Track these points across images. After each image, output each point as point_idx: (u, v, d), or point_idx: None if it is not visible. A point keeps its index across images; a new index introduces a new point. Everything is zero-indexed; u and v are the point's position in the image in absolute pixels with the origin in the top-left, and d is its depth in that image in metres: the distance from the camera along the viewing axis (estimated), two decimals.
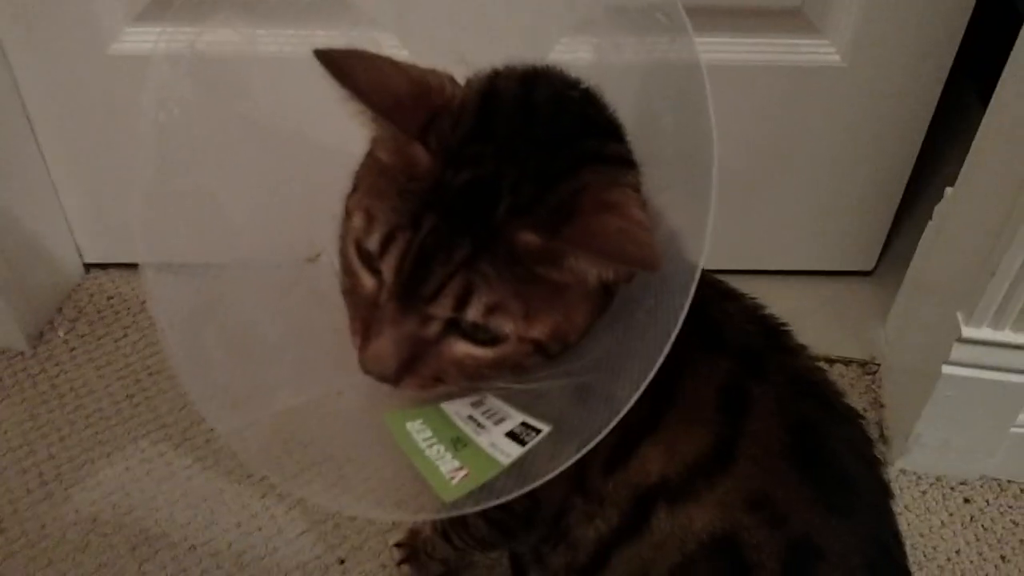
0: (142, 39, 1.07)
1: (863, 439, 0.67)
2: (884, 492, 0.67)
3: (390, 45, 0.75)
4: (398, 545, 0.97)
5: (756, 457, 0.62)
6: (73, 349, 1.17)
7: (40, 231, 1.18)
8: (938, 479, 1.08)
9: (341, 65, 0.58)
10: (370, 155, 0.64)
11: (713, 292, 0.69)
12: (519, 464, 0.59)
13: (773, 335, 0.68)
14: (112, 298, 1.23)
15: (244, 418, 0.66)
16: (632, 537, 0.64)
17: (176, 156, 0.66)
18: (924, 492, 1.07)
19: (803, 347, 0.69)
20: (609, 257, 0.57)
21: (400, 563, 0.97)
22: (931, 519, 1.05)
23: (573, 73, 0.65)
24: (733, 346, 0.66)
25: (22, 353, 1.16)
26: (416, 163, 0.59)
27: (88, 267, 1.26)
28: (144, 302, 1.20)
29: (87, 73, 1.09)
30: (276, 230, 0.73)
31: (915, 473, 1.08)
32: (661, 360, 0.53)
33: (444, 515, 0.60)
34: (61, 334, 1.18)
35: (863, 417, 0.69)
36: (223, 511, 1.02)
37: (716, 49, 1.06)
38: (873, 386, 1.16)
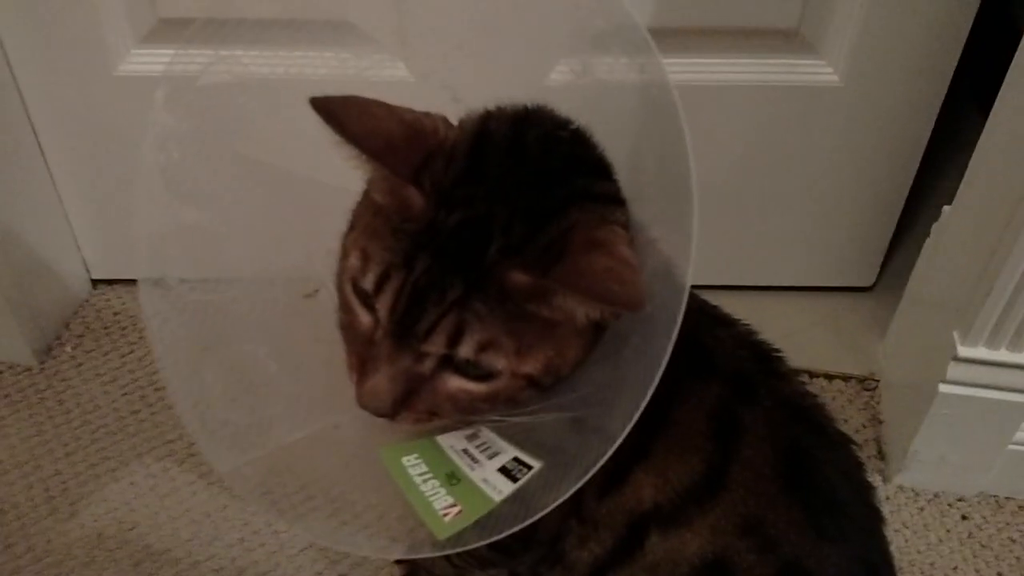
0: (149, 60, 1.08)
1: (854, 464, 0.68)
2: (875, 516, 0.68)
3: (390, 66, 0.76)
4: (398, 562, 0.98)
5: (747, 483, 0.63)
6: (80, 365, 1.18)
7: (48, 247, 1.20)
8: (936, 496, 1.08)
9: (335, 112, 0.59)
10: (366, 195, 0.65)
11: (705, 318, 0.70)
12: (518, 497, 0.60)
13: (765, 361, 0.69)
14: (118, 314, 1.24)
15: (243, 455, 0.67)
16: (626, 560, 0.65)
17: (175, 195, 0.67)
18: (922, 508, 1.07)
19: (794, 372, 0.70)
20: (595, 298, 0.58)
21: None
22: (929, 536, 1.05)
23: (563, 113, 0.66)
24: (724, 372, 0.67)
25: (29, 369, 1.17)
26: (410, 204, 0.60)
27: (95, 283, 1.28)
28: None
29: (94, 93, 1.10)
30: (274, 266, 0.74)
31: (913, 489, 1.09)
32: (646, 402, 0.54)
33: (450, 550, 0.62)
34: (68, 349, 1.20)
35: (854, 442, 0.69)
36: (226, 527, 1.03)
37: (714, 70, 1.07)
38: (872, 402, 1.17)
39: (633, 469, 0.63)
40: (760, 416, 0.66)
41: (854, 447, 0.69)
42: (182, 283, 0.68)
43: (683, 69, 1.07)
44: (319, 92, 0.73)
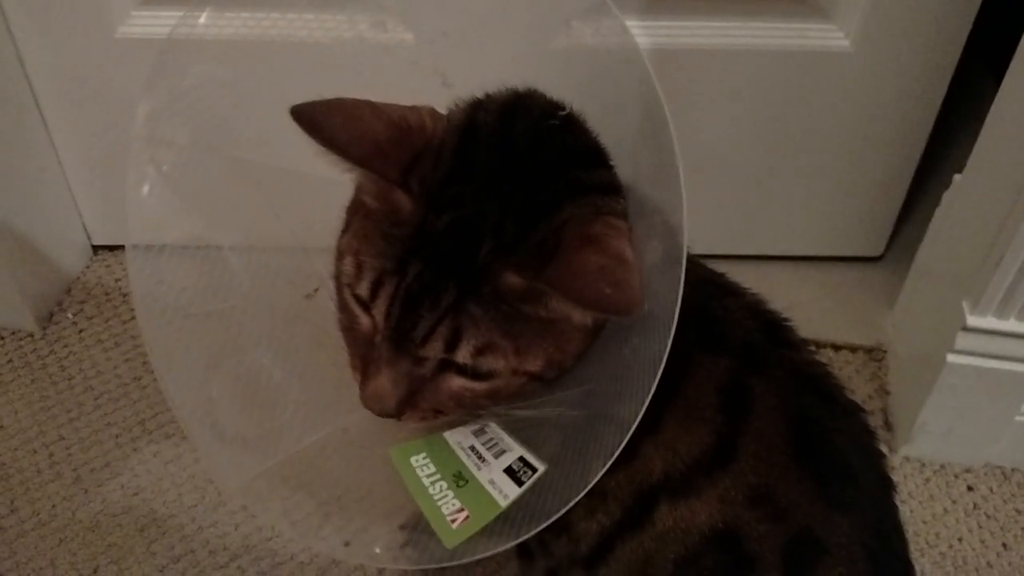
0: (149, 22, 1.07)
1: (865, 432, 0.68)
2: (885, 484, 0.67)
3: (393, 28, 0.75)
4: (403, 527, 0.98)
5: (757, 453, 0.63)
6: (82, 331, 1.18)
7: (48, 213, 1.19)
8: (942, 467, 1.08)
9: (318, 121, 0.58)
10: (357, 196, 0.64)
11: (714, 289, 0.69)
12: (536, 490, 0.60)
13: (774, 330, 0.69)
14: (120, 280, 1.23)
15: (254, 467, 0.67)
16: (634, 530, 0.64)
17: (169, 208, 0.66)
18: (928, 480, 1.07)
19: (804, 341, 0.69)
20: (587, 304, 0.57)
21: (404, 545, 0.97)
22: (934, 506, 1.05)
23: (555, 96, 0.64)
24: (734, 343, 0.67)
25: (31, 335, 1.17)
26: (399, 208, 0.59)
27: (96, 248, 1.27)
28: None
29: (95, 56, 1.09)
30: (273, 267, 0.74)
31: (919, 460, 1.08)
32: (648, 400, 0.55)
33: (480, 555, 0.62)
34: (70, 316, 1.19)
35: (864, 410, 0.69)
36: (230, 493, 1.03)
37: (724, 34, 1.06)
38: (879, 373, 1.16)
39: (643, 441, 0.62)
40: (770, 386, 0.65)
41: (864, 415, 0.68)
42: (183, 296, 0.68)
43: (691, 33, 1.05)
44: (317, 59, 0.72)
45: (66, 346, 1.16)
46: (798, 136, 1.15)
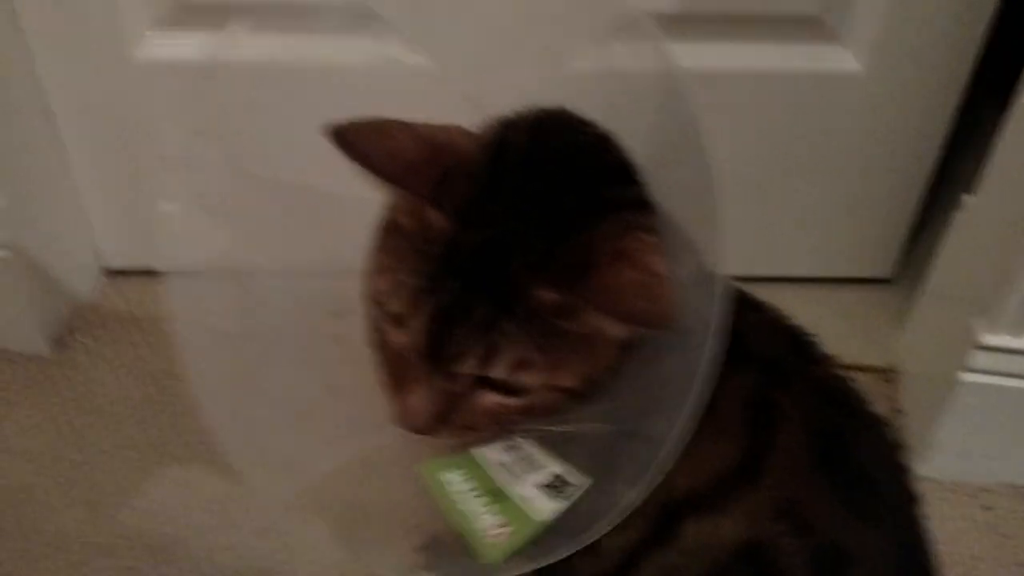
0: (165, 45, 1.08)
1: (890, 445, 0.68)
2: (911, 497, 0.67)
3: (411, 55, 0.75)
4: (424, 547, 0.97)
5: (783, 468, 0.62)
6: (94, 354, 1.17)
7: (63, 237, 1.19)
8: (958, 486, 1.08)
9: (351, 140, 0.59)
10: (390, 214, 0.65)
11: (737, 304, 0.69)
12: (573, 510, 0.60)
13: (798, 345, 0.69)
14: (132, 304, 1.23)
15: (289, 489, 0.67)
16: (659, 546, 0.64)
17: (199, 230, 0.67)
18: (944, 499, 1.07)
19: (828, 356, 0.69)
20: (622, 318, 0.57)
21: (429, 566, 0.97)
22: (950, 526, 1.04)
23: (586, 115, 0.65)
24: (758, 358, 0.66)
25: (44, 358, 1.17)
26: (431, 225, 0.60)
27: (109, 272, 1.27)
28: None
29: (110, 78, 1.10)
30: (302, 286, 0.74)
31: (935, 480, 1.08)
32: (688, 423, 0.55)
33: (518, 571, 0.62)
34: (82, 339, 1.19)
35: (889, 423, 0.69)
36: (242, 516, 1.03)
37: (735, 57, 1.07)
38: (892, 394, 1.16)
39: None
40: (794, 400, 0.65)
41: (888, 428, 0.68)
42: (213, 319, 0.68)
43: (704, 56, 1.06)
44: (342, 84, 0.72)
45: (78, 370, 1.16)
46: (808, 158, 1.15)
